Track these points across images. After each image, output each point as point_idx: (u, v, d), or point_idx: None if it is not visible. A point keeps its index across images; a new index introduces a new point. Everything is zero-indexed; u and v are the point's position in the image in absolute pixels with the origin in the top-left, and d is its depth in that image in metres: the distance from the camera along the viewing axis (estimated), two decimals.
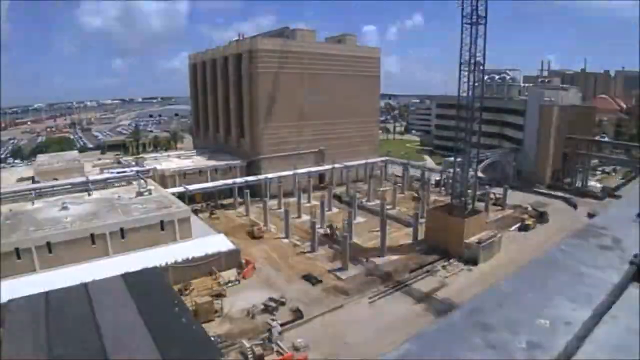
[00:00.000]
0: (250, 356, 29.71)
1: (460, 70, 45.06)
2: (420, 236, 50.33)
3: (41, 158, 76.08)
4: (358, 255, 45.79)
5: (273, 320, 33.61)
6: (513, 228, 55.78)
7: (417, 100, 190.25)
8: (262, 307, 35.93)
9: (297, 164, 70.17)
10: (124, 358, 20.60)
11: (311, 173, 71.53)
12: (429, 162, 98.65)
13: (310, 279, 41.29)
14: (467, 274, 43.53)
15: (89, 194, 50.78)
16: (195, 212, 56.12)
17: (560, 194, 70.42)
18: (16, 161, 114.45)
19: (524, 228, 55.22)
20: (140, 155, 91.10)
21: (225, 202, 65.13)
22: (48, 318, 24.49)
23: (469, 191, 48.97)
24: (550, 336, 1.50)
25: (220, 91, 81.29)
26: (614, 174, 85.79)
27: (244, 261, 42.94)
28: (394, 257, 46.00)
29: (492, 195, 63.10)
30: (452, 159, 54.64)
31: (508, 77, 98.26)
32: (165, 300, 27.27)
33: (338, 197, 68.29)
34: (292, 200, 61.93)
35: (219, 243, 43.73)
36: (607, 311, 1.63)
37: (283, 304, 36.58)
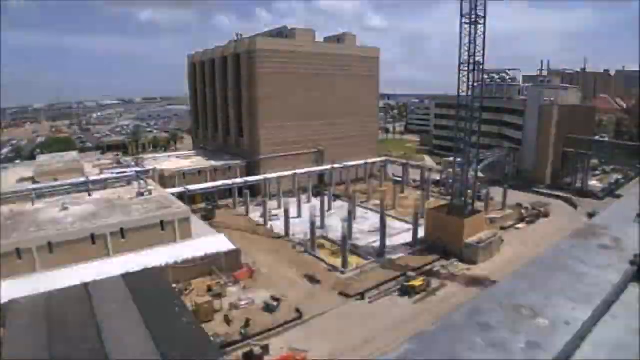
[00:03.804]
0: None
1: (459, 70, 45.06)
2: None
3: (41, 158, 76.03)
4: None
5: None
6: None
7: (417, 100, 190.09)
8: (263, 305, 36.05)
9: (296, 164, 70.16)
10: (124, 358, 20.62)
11: (311, 173, 71.53)
12: (429, 162, 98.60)
13: (311, 278, 41.38)
14: (467, 273, 43.51)
15: (89, 194, 50.80)
16: (194, 212, 56.07)
17: (560, 193, 70.43)
18: (17, 161, 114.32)
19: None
20: (140, 156, 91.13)
21: (224, 202, 65.16)
22: (49, 318, 24.52)
23: (469, 191, 49.01)
24: (550, 336, 1.50)
25: (220, 91, 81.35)
26: (615, 174, 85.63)
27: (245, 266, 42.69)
28: (394, 257, 46.08)
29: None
30: (451, 159, 54.69)
31: (508, 77, 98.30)
32: (165, 300, 27.30)
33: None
34: (292, 199, 61.92)
35: (219, 243, 43.72)
36: (606, 311, 1.63)
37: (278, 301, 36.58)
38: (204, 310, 33.89)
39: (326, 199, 60.25)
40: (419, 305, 37.62)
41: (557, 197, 68.99)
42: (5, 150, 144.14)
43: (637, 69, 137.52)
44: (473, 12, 42.99)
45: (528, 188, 72.44)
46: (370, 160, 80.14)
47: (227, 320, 34.10)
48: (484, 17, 43.24)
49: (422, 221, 51.46)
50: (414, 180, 77.75)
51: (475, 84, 45.32)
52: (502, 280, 1.89)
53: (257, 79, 70.17)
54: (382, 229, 46.97)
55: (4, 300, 26.96)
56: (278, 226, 54.83)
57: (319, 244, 48.90)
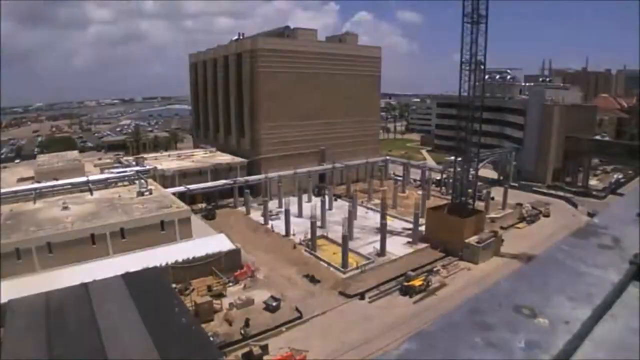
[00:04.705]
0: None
1: (461, 70, 45.07)
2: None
3: (41, 158, 76.08)
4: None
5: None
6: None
7: (418, 100, 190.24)
8: (263, 305, 36.04)
9: (297, 163, 70.11)
10: (123, 358, 20.60)
11: (311, 172, 71.48)
12: (429, 161, 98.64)
13: (312, 277, 41.38)
14: (467, 273, 43.53)
15: (91, 194, 50.78)
16: (195, 212, 56.05)
17: (560, 193, 70.40)
18: (17, 161, 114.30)
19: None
20: (141, 155, 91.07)
21: (225, 201, 65.14)
22: (48, 318, 24.49)
23: (469, 191, 48.99)
24: (549, 335, 1.50)
25: (221, 91, 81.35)
26: (616, 174, 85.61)
27: (245, 266, 42.63)
28: (395, 257, 46.08)
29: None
30: (452, 158, 54.67)
31: (509, 77, 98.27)
32: (165, 300, 27.28)
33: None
34: (293, 199, 61.87)
35: (220, 243, 43.71)
36: (606, 310, 1.63)
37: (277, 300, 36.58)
38: (204, 310, 33.90)
39: (327, 198, 60.25)
40: (419, 305, 37.62)
41: (558, 196, 68.98)
42: (5, 150, 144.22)
43: (638, 69, 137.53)
44: (475, 12, 43.02)
45: (529, 188, 72.43)
46: (371, 160, 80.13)
47: (228, 320, 34.12)
48: (486, 17, 43.26)
49: (422, 221, 51.49)
50: (415, 180, 77.83)
51: (477, 83, 45.33)
52: (502, 280, 1.88)
53: (258, 78, 70.16)
54: (383, 228, 46.95)
55: (4, 300, 26.95)
56: (278, 226, 54.85)
57: (319, 243, 48.89)
